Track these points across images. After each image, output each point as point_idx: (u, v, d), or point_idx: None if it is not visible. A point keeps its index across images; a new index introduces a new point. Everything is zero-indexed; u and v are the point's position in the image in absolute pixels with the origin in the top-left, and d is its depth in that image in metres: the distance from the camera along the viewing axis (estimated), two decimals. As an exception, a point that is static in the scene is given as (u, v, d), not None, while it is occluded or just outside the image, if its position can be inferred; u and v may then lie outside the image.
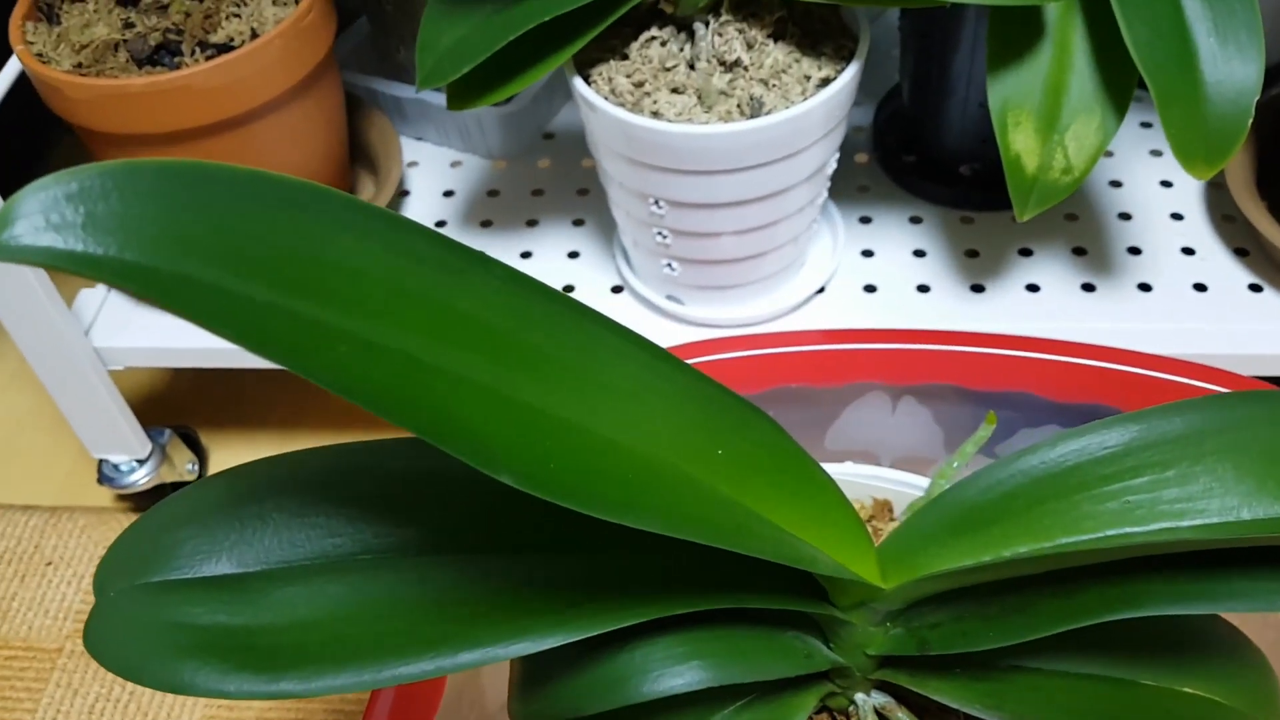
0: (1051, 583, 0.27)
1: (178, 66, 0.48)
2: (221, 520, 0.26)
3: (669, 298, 0.50)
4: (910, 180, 0.55)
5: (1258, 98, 0.38)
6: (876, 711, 0.30)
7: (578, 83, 0.42)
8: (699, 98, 0.41)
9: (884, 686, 0.30)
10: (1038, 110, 0.41)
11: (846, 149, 0.58)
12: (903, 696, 0.30)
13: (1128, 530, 0.25)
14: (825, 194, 0.47)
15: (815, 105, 0.40)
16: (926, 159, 0.55)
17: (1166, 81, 0.38)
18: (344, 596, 0.25)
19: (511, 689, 0.29)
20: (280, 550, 0.26)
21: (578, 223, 0.55)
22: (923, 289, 0.51)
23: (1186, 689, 0.30)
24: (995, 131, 0.41)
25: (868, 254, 0.53)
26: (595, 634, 0.24)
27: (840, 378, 0.47)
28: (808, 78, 0.41)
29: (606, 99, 0.42)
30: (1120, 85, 0.40)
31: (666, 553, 0.26)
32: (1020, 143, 0.41)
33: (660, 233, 0.46)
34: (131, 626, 0.25)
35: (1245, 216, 0.48)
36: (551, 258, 0.54)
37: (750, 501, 0.25)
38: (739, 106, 0.41)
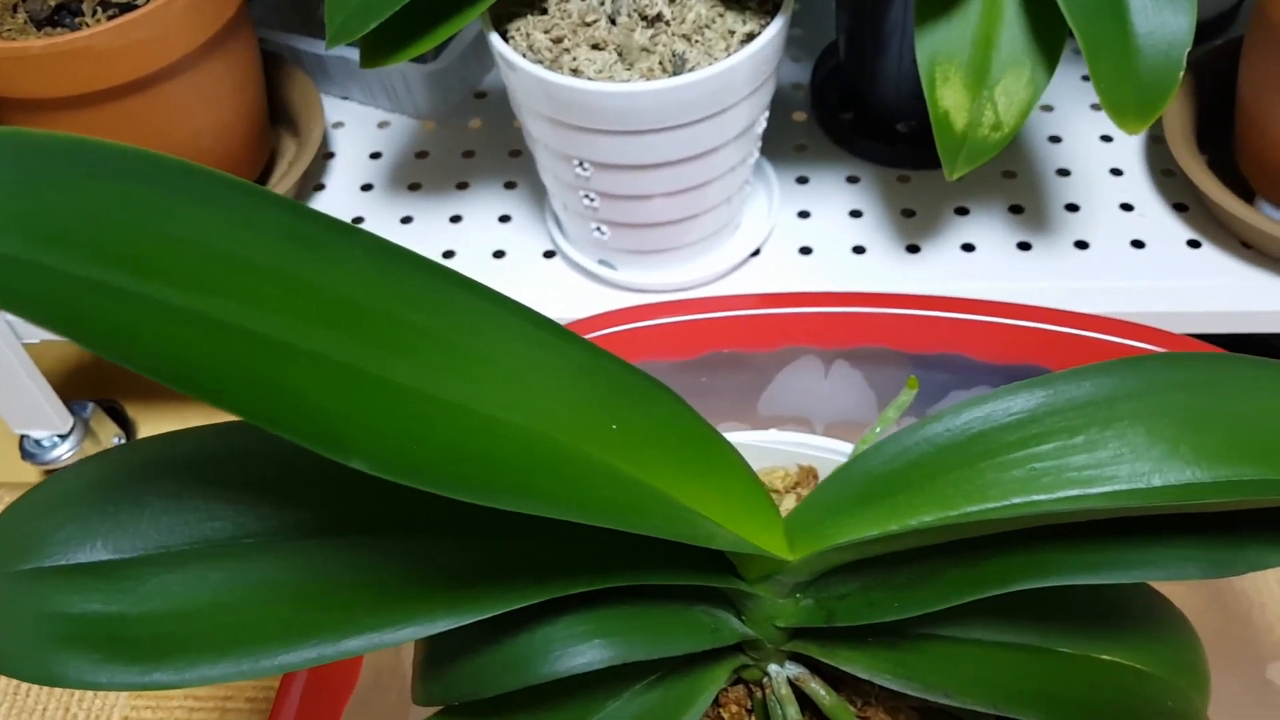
0: (958, 552, 0.26)
1: (79, 27, 0.46)
2: (96, 505, 0.25)
3: (601, 262, 0.49)
4: (848, 139, 0.54)
5: (1189, 49, 0.37)
6: (790, 682, 0.30)
7: (494, 39, 0.41)
8: (620, 55, 0.40)
9: (798, 658, 0.30)
10: (967, 65, 0.40)
11: (784, 107, 0.56)
12: (817, 667, 0.30)
13: (1034, 498, 0.24)
14: (756, 154, 0.46)
15: (740, 61, 0.39)
16: (864, 117, 0.54)
17: (1096, 33, 0.37)
18: (223, 583, 0.24)
19: (415, 671, 0.28)
20: (157, 535, 0.25)
21: (509, 185, 0.54)
22: (858, 250, 0.50)
23: (1105, 656, 0.29)
24: (923, 87, 0.40)
25: (804, 215, 0.52)
26: (488, 616, 0.23)
27: (772, 342, 0.46)
28: (732, 33, 0.40)
29: (524, 56, 0.40)
30: (1050, 38, 0.39)
31: (566, 531, 0.25)
32: (949, 99, 0.40)
33: (587, 195, 0.44)
34: (2, 616, 0.24)
35: (1184, 171, 0.48)
36: (482, 222, 0.52)
37: (648, 477, 0.24)
38: (661, 63, 0.39)
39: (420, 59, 0.56)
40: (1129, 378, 0.25)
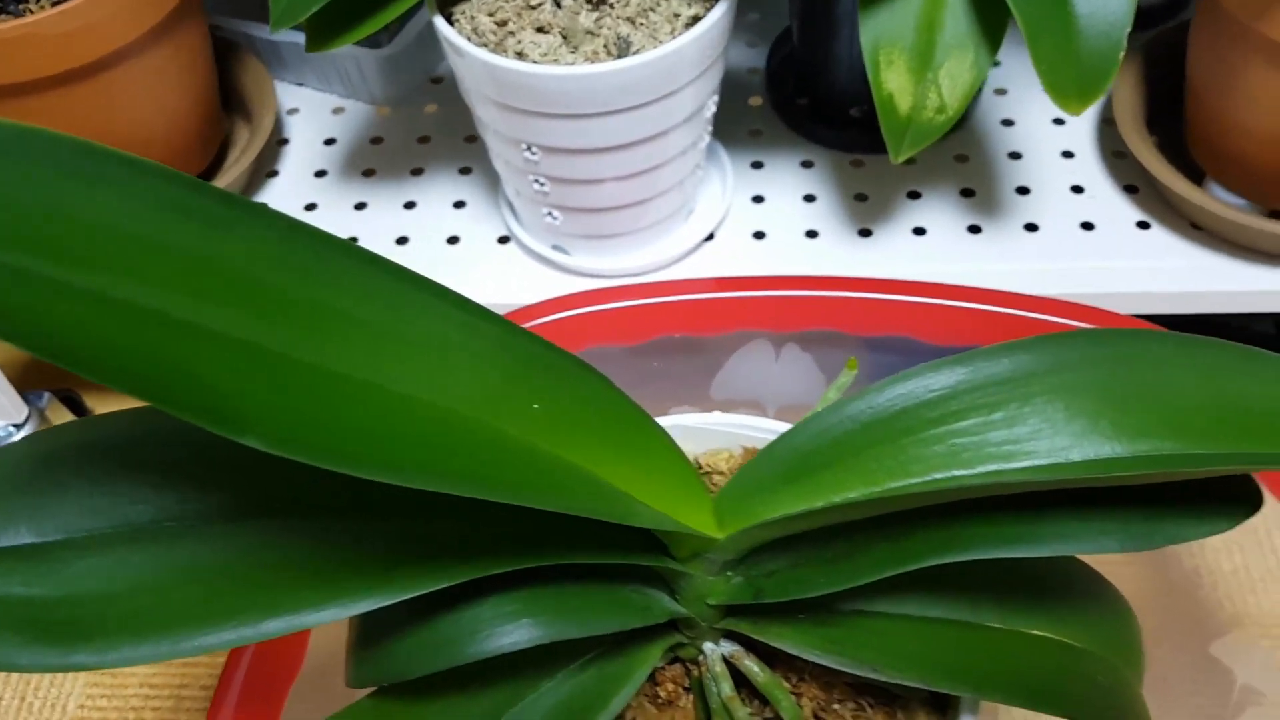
0: (883, 528, 0.26)
1: (23, 13, 0.45)
2: (20, 488, 0.25)
3: (555, 248, 0.49)
4: (803, 123, 0.54)
5: (1129, 30, 0.38)
6: (725, 660, 0.30)
7: (439, 22, 0.41)
8: (564, 38, 0.39)
9: (734, 636, 0.30)
10: (911, 48, 0.40)
11: (740, 92, 0.56)
12: (753, 644, 0.30)
13: (955, 474, 0.25)
14: (707, 138, 0.46)
15: (685, 44, 0.39)
16: (818, 102, 0.54)
17: (1036, 15, 0.37)
18: (145, 566, 0.24)
19: (347, 654, 0.28)
20: (81, 518, 0.24)
21: (465, 171, 0.54)
22: (811, 234, 0.50)
23: (1035, 631, 0.29)
24: (868, 71, 0.40)
25: (758, 200, 0.52)
26: (411, 596, 0.24)
27: (723, 326, 0.46)
28: (676, 16, 0.40)
29: (469, 40, 0.40)
30: (993, 21, 0.39)
31: (493, 511, 0.25)
32: (893, 82, 0.40)
33: (537, 180, 0.44)
34: (-75, 601, 0.24)
35: (1134, 154, 0.48)
36: (436, 207, 0.52)
37: (571, 456, 0.24)
38: (606, 47, 0.39)
39: (374, 44, 0.56)
40: (1048, 354, 0.25)
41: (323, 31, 0.41)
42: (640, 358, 0.46)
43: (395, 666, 0.26)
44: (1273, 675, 0.40)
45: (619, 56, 0.39)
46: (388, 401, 0.20)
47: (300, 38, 0.56)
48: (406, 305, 0.22)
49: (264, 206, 0.20)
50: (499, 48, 0.40)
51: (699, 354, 0.46)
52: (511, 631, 0.26)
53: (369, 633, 0.27)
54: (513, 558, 0.24)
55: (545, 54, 0.39)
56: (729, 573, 0.28)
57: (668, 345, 0.46)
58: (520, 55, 0.39)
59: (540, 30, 0.40)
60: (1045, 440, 0.24)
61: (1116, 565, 0.50)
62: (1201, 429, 0.24)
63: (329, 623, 0.23)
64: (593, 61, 0.39)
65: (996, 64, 0.56)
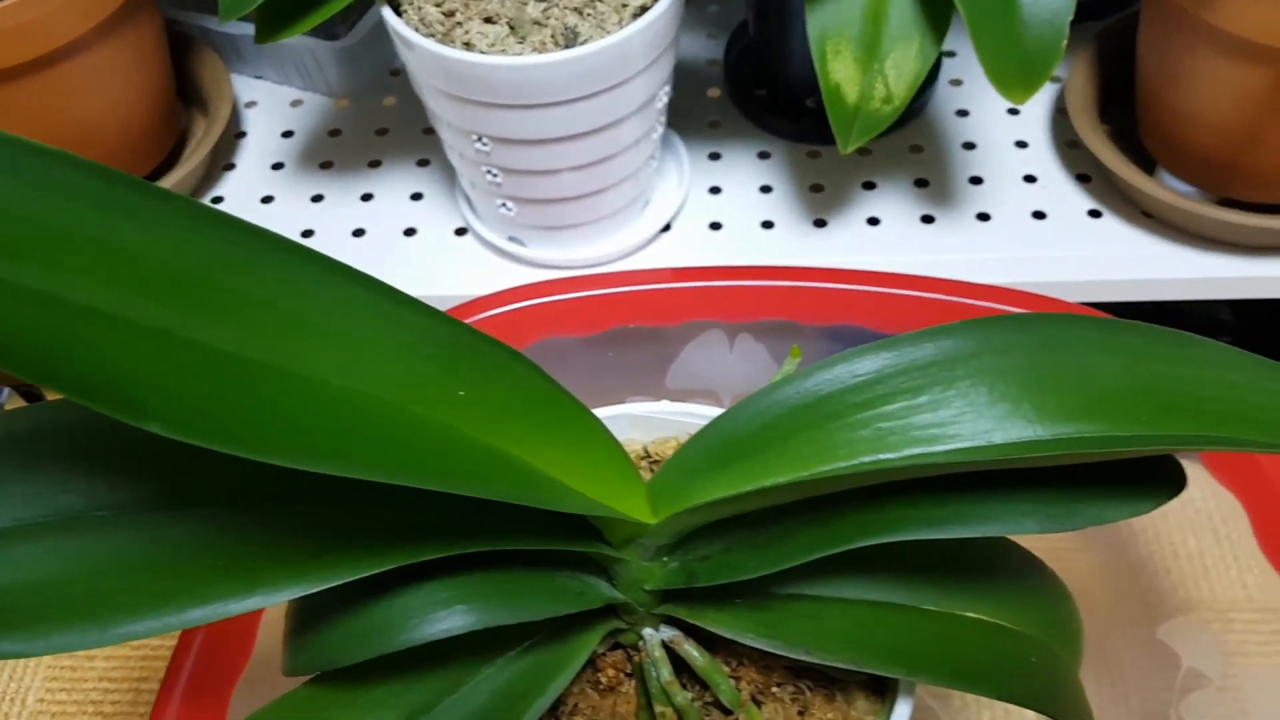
0: (812, 512, 0.26)
1: (-30, 4, 0.45)
2: (-51, 479, 0.25)
3: (511, 239, 0.49)
4: (760, 115, 0.54)
5: (1071, 17, 0.38)
6: (665, 645, 0.30)
7: (386, 13, 0.41)
8: (512, 28, 0.40)
9: (674, 622, 0.30)
10: (858, 38, 0.40)
11: (699, 84, 0.57)
12: (692, 630, 0.30)
13: (880, 457, 0.25)
14: (661, 128, 0.46)
15: (632, 34, 0.39)
16: (775, 93, 0.54)
17: (979, 4, 0.38)
18: (74, 554, 0.24)
19: (284, 642, 0.28)
20: (11, 508, 0.24)
21: (422, 163, 0.54)
22: (767, 225, 0.50)
23: (969, 614, 0.30)
24: (815, 61, 0.40)
25: (715, 191, 0.52)
26: (338, 583, 0.24)
27: (677, 316, 0.47)
28: (624, 5, 0.40)
29: (416, 30, 0.40)
30: (938, 10, 0.40)
31: (423, 498, 0.25)
32: (840, 72, 0.40)
33: (490, 171, 0.44)
34: None
35: (1086, 143, 0.48)
36: (393, 200, 0.52)
37: (499, 443, 0.24)
38: (553, 37, 0.39)
39: (331, 36, 0.56)
40: (972, 339, 0.26)
41: (271, 22, 0.41)
42: (595, 348, 0.46)
43: (328, 654, 0.26)
44: (1217, 658, 0.40)
45: (566, 47, 0.39)
46: (299, 387, 0.20)
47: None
48: (326, 293, 0.22)
49: (174, 193, 0.20)
50: (446, 38, 0.40)
51: (654, 344, 0.47)
52: (444, 618, 0.26)
53: (303, 621, 0.27)
54: (441, 545, 0.25)
55: (493, 44, 0.39)
56: (665, 558, 0.28)
57: (623, 336, 0.46)
58: (468, 46, 0.39)
59: (488, 20, 0.40)
60: (968, 424, 0.25)
61: (1071, 552, 0.51)
62: (1124, 411, 0.25)
63: (253, 609, 0.23)
64: (540, 52, 0.39)
65: (951, 55, 0.56)
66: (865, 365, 0.26)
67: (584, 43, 0.39)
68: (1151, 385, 0.25)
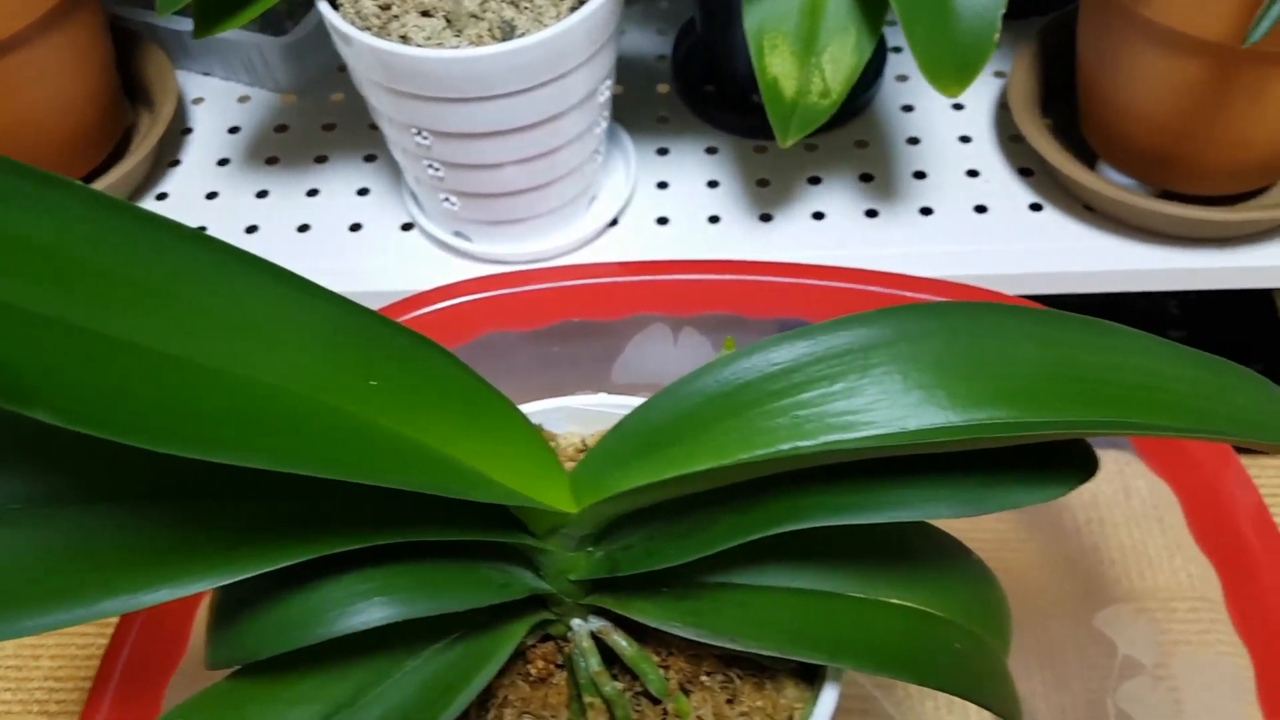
0: (732, 500, 0.27)
1: (-97, -2, 0.44)
2: None
3: (456, 234, 0.49)
4: (709, 111, 0.54)
5: (1004, 10, 0.38)
6: (593, 636, 0.30)
7: (323, 7, 0.40)
8: (449, 21, 0.39)
9: (603, 612, 0.30)
10: (795, 33, 0.41)
11: (647, 79, 0.57)
12: (622, 620, 0.30)
13: (799, 444, 0.25)
14: (604, 123, 0.46)
15: (570, 27, 0.39)
16: (723, 88, 0.55)
17: (911, -1, 0.38)
18: (-16, 548, 0.24)
19: (206, 635, 0.28)
20: (-78, 503, 0.24)
21: (369, 158, 0.54)
22: (714, 219, 0.50)
23: (894, 600, 0.30)
24: (752, 56, 0.40)
25: (663, 186, 0.52)
26: (249, 575, 0.24)
27: (622, 310, 0.47)
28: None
29: (353, 24, 0.40)
30: (874, 3, 0.40)
31: (341, 490, 0.25)
32: (777, 66, 0.40)
33: (432, 165, 0.44)
34: None
35: (1027, 137, 0.49)
36: (339, 195, 0.52)
37: (414, 433, 0.24)
38: (490, 30, 0.39)
39: (278, 31, 0.56)
40: (888, 327, 0.26)
41: (209, 16, 0.41)
42: (540, 343, 0.46)
43: (248, 647, 0.26)
44: (1152, 645, 0.41)
45: (503, 40, 0.39)
46: (198, 376, 0.20)
47: (204, 26, 0.55)
48: (230, 282, 0.21)
49: (76, 183, 0.20)
50: (382, 31, 0.40)
51: (599, 339, 0.47)
52: (362, 610, 0.26)
53: (224, 614, 0.27)
54: (358, 536, 0.24)
55: (429, 37, 0.39)
56: (590, 548, 0.29)
57: (567, 330, 0.46)
58: (404, 39, 0.39)
59: (425, 14, 0.40)
60: (883, 411, 0.25)
61: (1017, 543, 0.51)
62: (1036, 398, 0.25)
63: (163, 601, 0.23)
64: (477, 45, 0.39)
65: (897, 51, 0.56)
66: (782, 354, 0.26)
67: (521, 36, 0.39)
68: (1064, 372, 0.25)
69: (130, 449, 0.25)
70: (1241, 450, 0.55)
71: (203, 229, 0.51)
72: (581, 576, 0.28)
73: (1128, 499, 0.50)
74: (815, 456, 0.25)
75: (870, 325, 0.26)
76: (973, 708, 0.46)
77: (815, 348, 0.26)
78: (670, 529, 0.27)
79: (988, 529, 0.53)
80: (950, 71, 0.38)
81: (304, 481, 0.25)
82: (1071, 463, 0.26)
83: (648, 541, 0.28)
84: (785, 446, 0.25)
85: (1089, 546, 0.49)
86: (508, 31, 0.39)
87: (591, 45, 0.41)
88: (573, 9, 0.40)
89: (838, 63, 0.40)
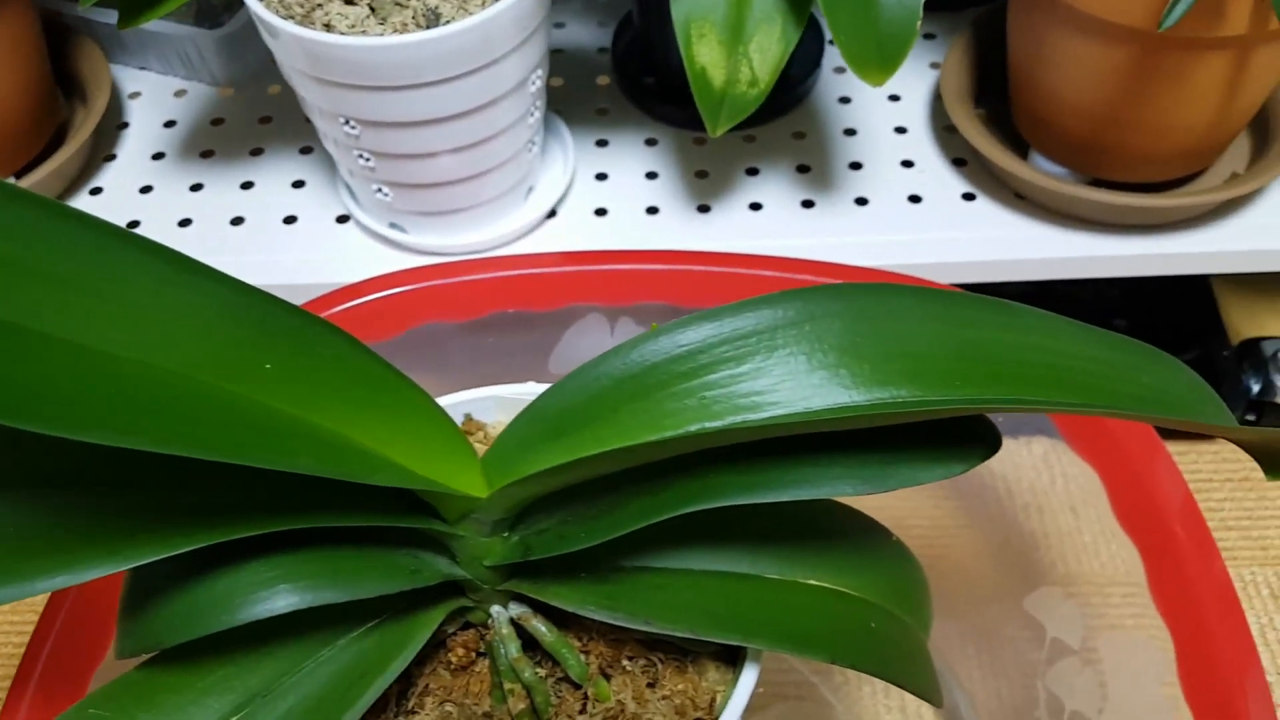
0: (643, 482, 0.27)
1: None
2: None
3: (392, 225, 0.49)
4: (648, 103, 0.55)
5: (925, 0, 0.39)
6: (513, 622, 0.30)
7: (248, -3, 0.40)
8: (372, 9, 0.39)
9: (523, 599, 0.30)
10: (722, 22, 0.41)
11: (588, 71, 0.57)
12: (543, 607, 0.30)
13: (705, 425, 0.25)
14: (539, 113, 0.46)
15: (494, 15, 0.39)
16: (663, 80, 0.55)
17: (834, -12, 0.38)
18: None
19: (116, 623, 0.28)
20: None
21: (305, 151, 0.53)
22: (652, 211, 0.51)
23: (811, 581, 0.30)
24: (680, 45, 0.41)
25: (602, 177, 0.52)
26: (146, 561, 0.23)
27: (558, 301, 0.47)
28: (489, -11, 0.40)
29: (277, 13, 0.40)
30: (799, -6, 0.40)
31: (249, 477, 0.25)
32: (705, 55, 0.41)
33: (362, 155, 0.44)
34: None
35: (959, 128, 0.49)
36: (274, 187, 0.52)
37: (312, 417, 0.24)
38: (414, 18, 0.39)
39: (214, 24, 0.55)
40: (792, 309, 0.26)
41: (133, 6, 0.41)
42: (475, 334, 0.46)
43: (154, 635, 0.26)
44: (1078, 628, 0.41)
45: (428, 28, 0.39)
46: (83, 359, 0.19)
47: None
48: (112, 262, 0.21)
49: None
50: (306, 20, 0.39)
51: (534, 329, 0.47)
52: (268, 598, 0.25)
53: (133, 602, 0.27)
54: (262, 522, 0.24)
55: (353, 25, 0.39)
56: (505, 534, 0.28)
57: (502, 321, 0.46)
58: (328, 27, 0.39)
59: (349, 2, 0.39)
60: (787, 391, 0.25)
61: (956, 529, 0.52)
62: (937, 376, 0.25)
63: (55, 589, 0.23)
64: (401, 33, 0.39)
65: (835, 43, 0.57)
66: (689, 336, 0.26)
67: (446, 24, 0.39)
68: (966, 351, 0.26)
69: (28, 436, 0.25)
70: (1173, 436, 0.56)
71: (135, 223, 0.51)
72: (496, 562, 0.28)
73: (1066, 485, 0.50)
74: (722, 436, 0.25)
75: (776, 307, 0.26)
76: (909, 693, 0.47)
77: (722, 329, 0.26)
78: (583, 513, 0.27)
79: (926, 516, 0.53)
80: (874, 61, 0.39)
81: (208, 469, 0.25)
82: (974, 441, 0.26)
83: (561, 526, 0.28)
84: (693, 428, 0.25)
85: (1026, 533, 0.50)
86: (432, 19, 0.39)
87: (520, 33, 0.41)
88: (498, -2, 0.40)
89: (765, 52, 0.41)
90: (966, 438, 0.26)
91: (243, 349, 0.23)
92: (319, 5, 0.40)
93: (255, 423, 0.22)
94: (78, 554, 0.23)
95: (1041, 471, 0.50)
